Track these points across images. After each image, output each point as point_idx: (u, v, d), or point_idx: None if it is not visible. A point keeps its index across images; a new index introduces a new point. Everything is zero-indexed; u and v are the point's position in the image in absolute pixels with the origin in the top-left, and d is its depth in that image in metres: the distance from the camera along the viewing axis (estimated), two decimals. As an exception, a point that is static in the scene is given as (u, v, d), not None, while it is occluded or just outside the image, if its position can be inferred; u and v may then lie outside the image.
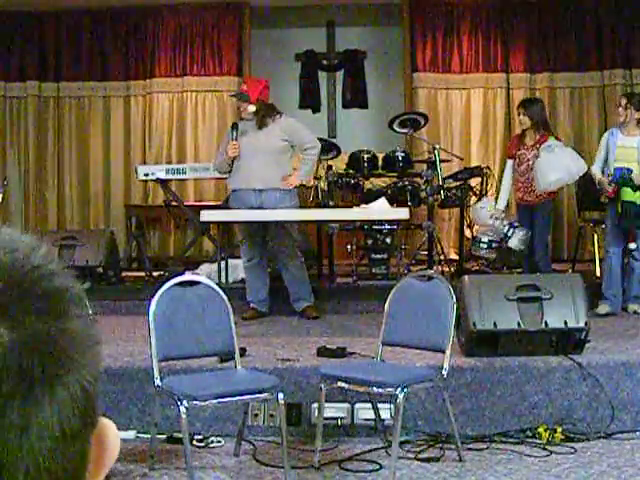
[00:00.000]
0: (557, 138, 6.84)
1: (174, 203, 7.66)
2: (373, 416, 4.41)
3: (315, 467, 4.07)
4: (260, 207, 6.03)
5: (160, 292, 4.01)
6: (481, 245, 6.91)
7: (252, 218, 6.40)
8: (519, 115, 6.88)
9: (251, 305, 6.29)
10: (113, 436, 0.65)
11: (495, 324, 4.67)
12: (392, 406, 4.23)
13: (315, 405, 4.39)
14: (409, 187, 7.21)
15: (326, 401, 4.18)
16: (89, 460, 0.62)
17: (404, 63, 9.18)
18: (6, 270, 0.59)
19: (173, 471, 4.05)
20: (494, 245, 6.84)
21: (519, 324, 4.68)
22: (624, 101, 6.32)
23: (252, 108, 6.11)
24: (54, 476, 0.58)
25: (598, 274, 7.05)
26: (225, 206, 6.84)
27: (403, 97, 9.17)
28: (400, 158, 7.40)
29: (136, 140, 9.12)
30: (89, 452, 0.62)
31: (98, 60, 9.11)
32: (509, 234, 6.73)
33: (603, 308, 6.13)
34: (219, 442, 4.41)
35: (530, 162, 6.67)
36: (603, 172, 6.30)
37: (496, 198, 7.16)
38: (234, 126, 6.14)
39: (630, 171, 6.04)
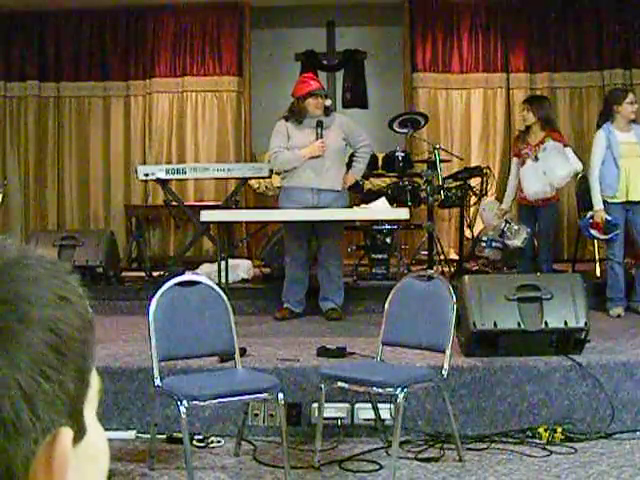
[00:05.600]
0: (555, 138, 6.77)
1: (174, 203, 7.66)
2: (373, 416, 4.41)
3: (315, 467, 4.07)
4: (315, 207, 5.93)
5: (160, 292, 4.01)
6: (481, 244, 6.89)
7: (252, 218, 6.40)
8: (523, 111, 6.83)
9: (285, 305, 6.20)
10: (62, 447, 0.61)
11: (495, 324, 4.67)
12: (392, 406, 4.23)
13: (315, 405, 4.39)
14: (409, 187, 7.22)
15: (326, 401, 4.17)
16: (22, 470, 0.59)
17: (404, 63, 9.18)
18: None
19: (173, 471, 4.05)
20: (494, 244, 6.82)
21: (519, 324, 4.68)
22: (632, 97, 6.29)
23: (329, 102, 6.11)
24: None
25: (598, 274, 7.05)
26: (226, 205, 6.81)
27: (403, 97, 9.17)
28: (400, 158, 7.41)
29: (136, 140, 9.12)
30: (13, 459, 0.59)
31: (98, 60, 9.11)
32: (505, 229, 6.71)
33: (616, 311, 6.17)
34: (219, 442, 4.41)
35: None
36: (601, 176, 6.26)
37: (498, 198, 7.16)
38: (319, 124, 5.94)
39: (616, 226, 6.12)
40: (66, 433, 0.62)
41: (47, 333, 0.61)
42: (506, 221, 6.76)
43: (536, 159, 6.51)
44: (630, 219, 6.23)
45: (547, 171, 6.47)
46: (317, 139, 5.93)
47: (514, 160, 6.95)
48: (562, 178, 6.53)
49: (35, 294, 0.62)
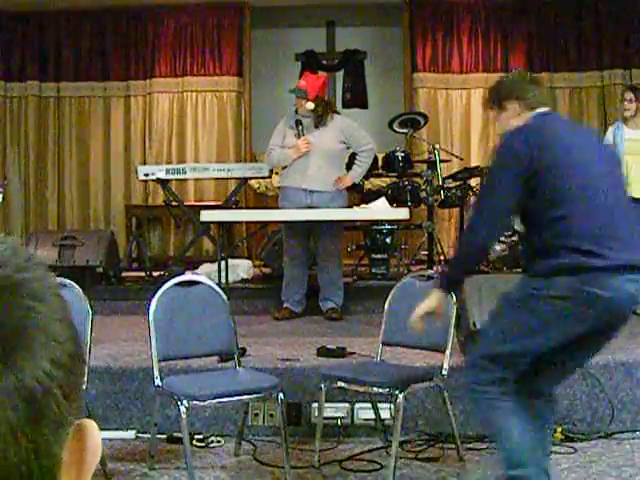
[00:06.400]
0: None
1: (174, 203, 7.66)
2: (373, 416, 4.41)
3: (315, 467, 4.07)
4: (310, 208, 5.91)
5: (160, 292, 4.01)
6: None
7: (252, 218, 6.38)
8: None
9: (285, 305, 6.20)
10: (95, 437, 0.63)
11: (495, 324, 4.66)
12: (392, 406, 4.23)
13: (315, 405, 4.39)
14: (409, 187, 7.22)
15: (326, 401, 4.17)
16: (61, 462, 0.61)
17: (404, 63, 9.18)
18: None
19: (173, 471, 4.05)
20: (502, 238, 6.77)
21: (519, 324, 4.67)
22: (630, 95, 6.30)
23: (311, 105, 5.93)
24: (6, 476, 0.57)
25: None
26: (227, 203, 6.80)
27: (403, 97, 9.17)
28: (400, 158, 7.41)
29: (136, 140, 9.13)
30: (56, 452, 0.60)
31: (98, 60, 9.12)
32: None
33: None
34: (219, 442, 4.41)
35: None
36: None
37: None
38: (298, 122, 5.94)
39: None
40: (93, 424, 0.64)
41: (69, 329, 0.63)
42: None
43: None
44: None
45: None
46: (298, 138, 5.93)
47: None
48: None
49: (50, 291, 0.63)
